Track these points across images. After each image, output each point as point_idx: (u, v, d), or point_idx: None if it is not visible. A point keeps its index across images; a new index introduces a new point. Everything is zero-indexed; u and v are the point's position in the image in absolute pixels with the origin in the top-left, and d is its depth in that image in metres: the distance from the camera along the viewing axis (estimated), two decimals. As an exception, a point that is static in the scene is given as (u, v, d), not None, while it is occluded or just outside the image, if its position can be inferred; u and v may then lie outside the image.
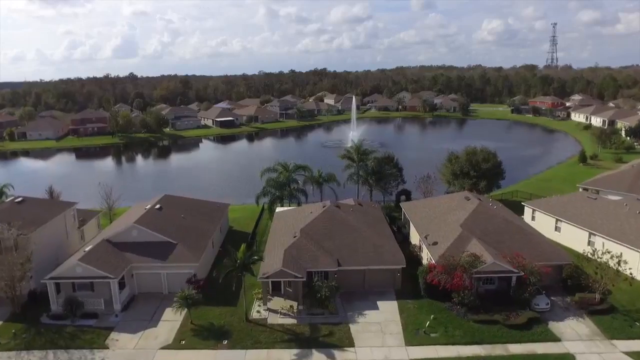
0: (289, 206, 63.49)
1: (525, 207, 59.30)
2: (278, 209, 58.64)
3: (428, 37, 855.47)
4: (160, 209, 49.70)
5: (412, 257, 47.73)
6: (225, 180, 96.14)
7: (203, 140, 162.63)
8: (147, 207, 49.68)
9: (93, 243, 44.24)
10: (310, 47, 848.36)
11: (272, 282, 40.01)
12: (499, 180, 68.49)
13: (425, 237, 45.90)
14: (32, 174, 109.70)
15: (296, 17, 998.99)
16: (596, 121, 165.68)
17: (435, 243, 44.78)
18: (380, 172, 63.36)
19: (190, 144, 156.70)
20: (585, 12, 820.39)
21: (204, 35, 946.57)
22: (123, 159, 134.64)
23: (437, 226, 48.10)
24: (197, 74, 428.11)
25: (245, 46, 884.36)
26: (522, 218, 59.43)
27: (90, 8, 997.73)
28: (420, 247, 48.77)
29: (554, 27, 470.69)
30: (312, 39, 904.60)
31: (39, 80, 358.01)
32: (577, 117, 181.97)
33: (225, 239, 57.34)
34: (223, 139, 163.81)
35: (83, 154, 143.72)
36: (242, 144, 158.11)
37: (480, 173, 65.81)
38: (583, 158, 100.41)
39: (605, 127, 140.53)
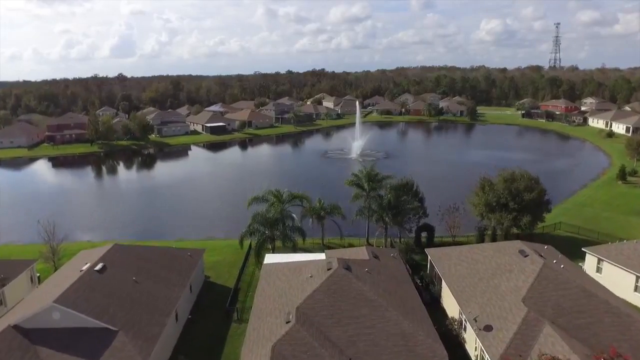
0: (283, 245, 50.23)
1: (587, 255, 46.00)
2: (268, 257, 45.14)
3: (427, 37, 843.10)
4: (102, 270, 36.09)
5: (449, 336, 34.49)
6: (209, 203, 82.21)
7: (192, 147, 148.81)
8: (83, 267, 36.00)
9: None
10: (309, 47, 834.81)
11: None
12: (544, 214, 55.04)
13: (475, 320, 32.42)
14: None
15: (295, 17, 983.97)
16: (618, 128, 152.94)
17: (488, 328, 31.41)
18: (398, 206, 49.81)
19: (176, 153, 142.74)
20: (584, 13, 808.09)
21: (202, 34, 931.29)
22: (96, 172, 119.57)
23: (485, 296, 34.74)
24: (194, 73, 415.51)
25: (243, 46, 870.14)
26: (581, 267, 46.25)
27: (88, 7, 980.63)
28: (461, 324, 35.43)
29: (557, 27, 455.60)
30: (310, 39, 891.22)
31: (36, 80, 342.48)
32: (596, 122, 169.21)
33: (197, 298, 43.87)
34: (213, 147, 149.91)
35: (56, 164, 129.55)
36: (234, 153, 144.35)
37: (522, 205, 52.45)
38: (622, 175, 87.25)
39: (634, 136, 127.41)
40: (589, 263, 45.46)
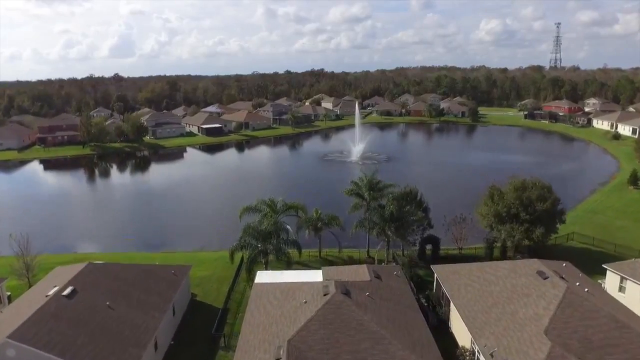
0: (277, 260, 46.41)
1: (609, 272, 42.10)
2: (259, 275, 41.25)
3: (426, 37, 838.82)
4: (71, 294, 32.20)
5: (460, 367, 30.75)
6: (201, 210, 78.26)
7: (187, 150, 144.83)
8: (50, 292, 32.10)
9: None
10: (308, 47, 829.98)
11: None
12: (557, 225, 51.23)
13: (491, 355, 28.57)
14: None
15: (295, 17, 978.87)
16: (624, 130, 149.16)
17: (507, 364, 27.61)
18: (401, 217, 45.91)
19: (171, 155, 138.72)
20: (584, 13, 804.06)
21: (202, 34, 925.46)
22: (86, 176, 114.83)
23: (501, 324, 30.91)
24: (193, 74, 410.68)
25: (243, 46, 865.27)
26: (601, 285, 42.48)
27: (88, 7, 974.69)
28: (474, 355, 31.61)
29: (557, 27, 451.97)
30: (309, 39, 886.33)
31: (36, 80, 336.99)
32: (600, 124, 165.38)
33: (182, 320, 40.03)
34: (209, 149, 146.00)
35: (46, 167, 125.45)
36: (230, 155, 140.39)
37: (534, 216, 48.62)
38: (634, 179, 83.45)
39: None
40: (611, 281, 41.64)
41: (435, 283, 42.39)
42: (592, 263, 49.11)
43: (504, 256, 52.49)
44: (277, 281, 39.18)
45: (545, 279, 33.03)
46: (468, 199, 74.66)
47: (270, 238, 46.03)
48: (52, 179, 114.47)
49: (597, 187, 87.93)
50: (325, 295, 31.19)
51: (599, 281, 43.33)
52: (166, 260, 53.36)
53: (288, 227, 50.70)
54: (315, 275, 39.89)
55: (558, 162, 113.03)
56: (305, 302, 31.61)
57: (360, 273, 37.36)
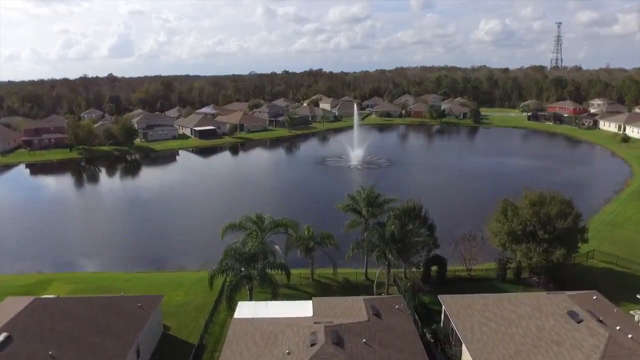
0: (262, 291, 40.97)
1: (644, 304, 36.55)
2: (240, 307, 35.70)
3: (426, 37, 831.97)
4: (5, 343, 26.53)
5: None
6: (186, 222, 71.81)
7: (180, 153, 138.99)
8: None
9: None
10: (307, 47, 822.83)
11: None
12: (579, 244, 45.69)
13: None
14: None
15: (294, 17, 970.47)
16: (632, 132, 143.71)
17: None
18: (403, 238, 40.22)
19: (162, 159, 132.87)
20: (583, 13, 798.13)
21: (201, 34, 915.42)
22: (69, 183, 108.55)
23: (528, 380, 25.31)
24: (192, 74, 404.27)
25: (242, 46, 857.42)
26: (634, 317, 36.85)
27: (87, 7, 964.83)
28: (494, 418, 26.02)
29: (558, 26, 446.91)
30: (309, 39, 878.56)
31: (33, 80, 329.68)
32: (607, 126, 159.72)
33: (149, 362, 34.43)
34: (202, 152, 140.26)
35: (32, 172, 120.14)
36: (223, 159, 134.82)
37: (554, 235, 43.07)
38: (651, 188, 78.03)
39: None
40: (646, 314, 36.05)
41: (443, 315, 36.82)
42: (619, 288, 43.89)
43: (518, 278, 47.14)
44: (260, 316, 33.78)
45: (579, 322, 27.44)
46: (475, 209, 69.39)
47: (255, 261, 40.44)
48: (33, 185, 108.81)
49: (611, 195, 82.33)
50: (312, 345, 25.59)
51: (631, 312, 37.76)
52: (140, 283, 48.12)
53: (277, 247, 45.17)
54: (303, 309, 34.50)
55: (567, 167, 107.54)
56: (289, 354, 25.98)
57: (355, 310, 31.76)
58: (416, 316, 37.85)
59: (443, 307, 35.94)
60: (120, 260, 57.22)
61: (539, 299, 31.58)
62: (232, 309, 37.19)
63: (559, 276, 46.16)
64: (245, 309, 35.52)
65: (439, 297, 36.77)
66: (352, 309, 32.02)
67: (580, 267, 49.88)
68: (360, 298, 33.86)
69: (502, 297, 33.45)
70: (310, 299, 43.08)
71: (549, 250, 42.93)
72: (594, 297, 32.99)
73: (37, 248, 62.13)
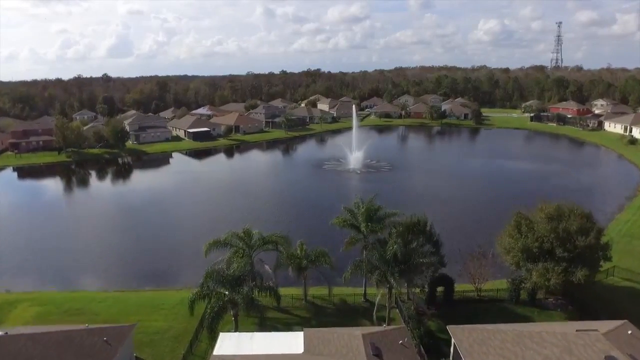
0: (249, 316, 36.58)
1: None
2: (221, 340, 31.28)
3: (425, 37, 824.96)
4: None
5: None
6: (172, 233, 66.86)
7: (173, 156, 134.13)
8: None
9: None
10: (306, 47, 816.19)
11: None
12: (601, 262, 41.33)
13: None
14: None
15: (293, 17, 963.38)
16: (639, 134, 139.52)
17: None
18: (407, 259, 35.74)
19: (155, 162, 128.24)
20: (582, 13, 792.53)
21: (200, 34, 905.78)
22: (55, 188, 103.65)
23: None
24: (190, 74, 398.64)
25: (241, 46, 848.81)
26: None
27: (86, 7, 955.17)
28: None
29: (559, 26, 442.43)
30: (308, 39, 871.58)
31: (33, 79, 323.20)
32: (613, 127, 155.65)
33: (115, 406, 29.88)
34: (196, 154, 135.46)
35: (20, 175, 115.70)
36: (218, 162, 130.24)
37: (574, 253, 38.65)
38: (668, 194, 73.69)
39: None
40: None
41: (452, 349, 32.38)
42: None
43: (532, 299, 42.77)
44: (243, 352, 29.51)
45: (619, 370, 23.03)
46: (483, 219, 65.14)
47: (241, 284, 35.96)
48: (17, 189, 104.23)
49: (624, 201, 78.04)
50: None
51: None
52: (115, 304, 43.65)
53: (267, 266, 40.84)
54: (294, 343, 30.19)
55: (575, 171, 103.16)
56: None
57: (353, 348, 27.30)
58: (422, 348, 33.43)
59: (453, 340, 31.49)
60: (97, 276, 52.71)
61: (567, 337, 27.08)
62: (214, 338, 32.83)
63: (578, 296, 41.96)
64: (227, 342, 31.16)
65: (448, 328, 32.27)
66: (349, 347, 27.57)
67: (600, 286, 45.46)
68: (359, 333, 29.34)
69: (523, 332, 28.91)
70: (302, 323, 39.02)
71: (569, 270, 38.51)
72: (629, 332, 28.59)
73: (9, 262, 57.35)
